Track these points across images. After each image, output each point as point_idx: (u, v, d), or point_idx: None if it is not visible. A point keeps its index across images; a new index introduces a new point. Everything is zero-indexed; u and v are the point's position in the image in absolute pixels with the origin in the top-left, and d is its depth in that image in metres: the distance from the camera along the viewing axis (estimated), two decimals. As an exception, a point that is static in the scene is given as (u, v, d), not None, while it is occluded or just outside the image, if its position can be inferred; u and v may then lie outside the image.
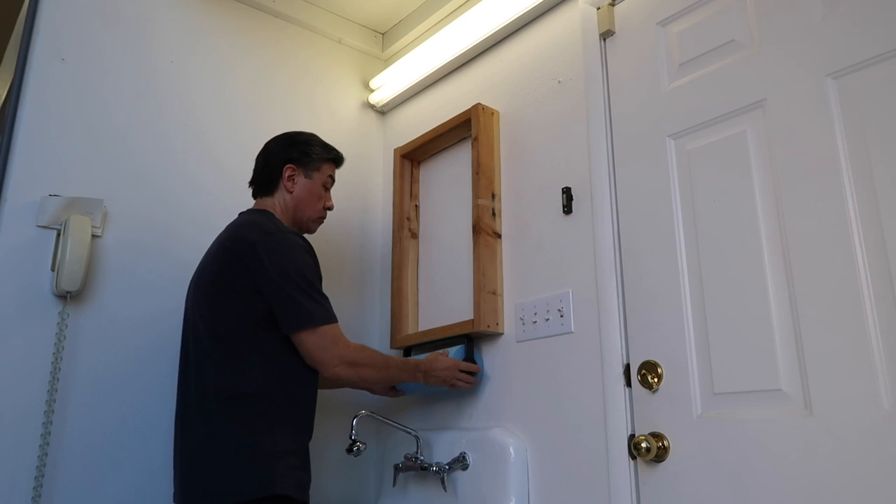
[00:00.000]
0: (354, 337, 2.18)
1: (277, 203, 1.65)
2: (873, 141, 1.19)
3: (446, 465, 1.73)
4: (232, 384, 1.43)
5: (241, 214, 1.64)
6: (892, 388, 1.11)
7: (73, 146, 1.74)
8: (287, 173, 1.65)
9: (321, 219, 1.72)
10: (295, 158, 1.66)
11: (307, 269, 1.50)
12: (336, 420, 2.05)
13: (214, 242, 1.59)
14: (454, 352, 1.79)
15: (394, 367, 1.63)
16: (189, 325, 1.55)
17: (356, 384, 1.68)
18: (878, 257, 1.16)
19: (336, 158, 1.74)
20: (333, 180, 1.74)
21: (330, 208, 1.72)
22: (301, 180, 1.66)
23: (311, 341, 1.46)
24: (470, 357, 1.80)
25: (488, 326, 1.77)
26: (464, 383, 1.73)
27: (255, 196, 1.70)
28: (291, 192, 1.65)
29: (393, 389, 1.82)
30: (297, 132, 1.73)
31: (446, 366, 1.69)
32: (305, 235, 1.67)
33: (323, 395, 2.05)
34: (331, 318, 1.50)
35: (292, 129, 2.16)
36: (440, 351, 1.80)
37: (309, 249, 1.53)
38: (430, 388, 1.74)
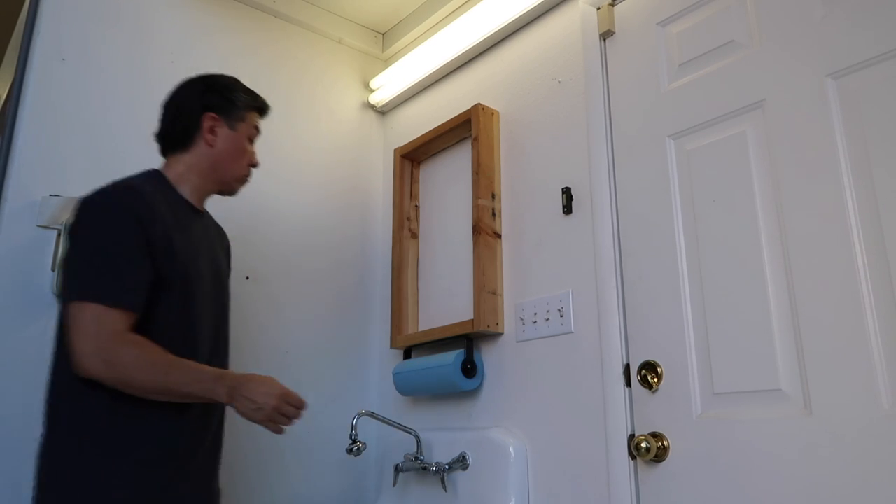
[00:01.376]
0: (354, 338, 2.18)
1: (194, 159, 1.40)
2: (873, 141, 1.20)
3: (446, 465, 1.73)
4: None
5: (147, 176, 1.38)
6: (891, 388, 1.11)
7: (74, 146, 1.74)
8: (207, 123, 1.40)
9: (246, 177, 1.48)
10: (216, 106, 1.41)
11: (115, 230, 1.21)
12: (336, 420, 2.06)
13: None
14: (454, 357, 1.79)
15: (179, 372, 1.21)
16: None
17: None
18: (878, 257, 1.16)
19: (262, 107, 1.50)
20: (259, 132, 1.50)
21: (255, 165, 1.49)
22: (224, 132, 1.41)
23: (71, 319, 1.18)
24: (469, 358, 1.80)
25: (488, 326, 1.77)
26: (282, 422, 1.24)
27: (164, 153, 1.43)
28: (213, 147, 1.40)
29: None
30: (215, 74, 1.47)
31: (268, 391, 1.22)
32: (215, 197, 1.51)
33: (322, 394, 2.05)
34: (110, 295, 1.18)
35: (293, 129, 2.18)
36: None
37: (139, 209, 1.24)
38: (434, 389, 1.72)
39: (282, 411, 1.24)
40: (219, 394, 1.23)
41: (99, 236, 1.22)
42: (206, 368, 1.27)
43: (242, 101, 1.45)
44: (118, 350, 1.18)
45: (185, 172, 1.41)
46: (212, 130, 1.41)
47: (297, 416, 1.27)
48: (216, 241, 1.51)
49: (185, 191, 1.41)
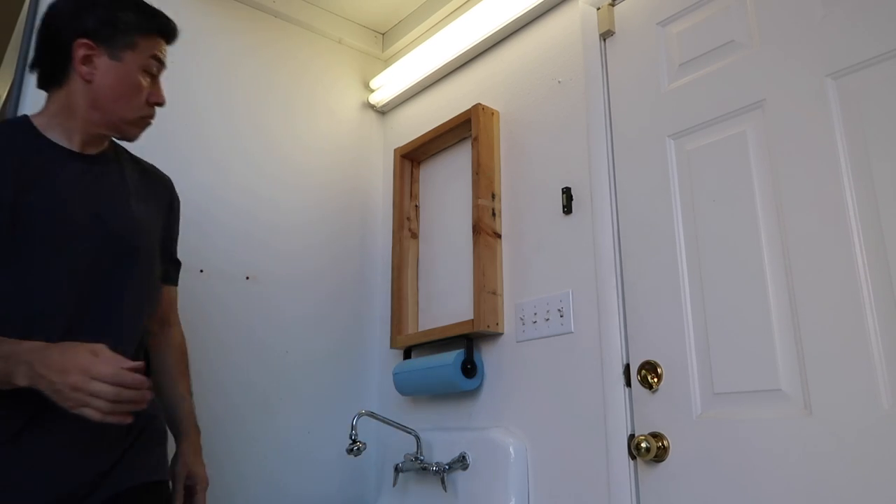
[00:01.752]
0: (354, 338, 2.18)
1: (69, 99, 1.14)
2: (873, 141, 1.19)
3: (446, 464, 1.73)
4: None
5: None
6: (891, 388, 1.11)
7: (74, 146, 1.74)
8: (80, 52, 1.12)
9: (145, 119, 1.21)
10: (91, 31, 1.12)
11: None
12: (336, 420, 2.06)
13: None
14: (454, 357, 1.79)
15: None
16: None
17: None
18: (878, 257, 1.16)
19: (163, 28, 1.20)
20: (161, 63, 1.21)
21: (159, 103, 1.21)
22: (104, 63, 1.13)
23: None
24: (469, 358, 1.80)
25: (488, 326, 1.77)
26: (91, 404, 0.93)
27: (41, 86, 1.19)
28: (91, 82, 1.13)
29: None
30: None
31: (63, 365, 0.93)
32: (122, 143, 1.27)
33: (322, 394, 2.05)
34: None
35: (292, 129, 2.18)
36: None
37: None
38: (434, 389, 1.71)
39: (88, 390, 0.92)
40: (15, 376, 0.95)
41: None
42: (9, 343, 0.98)
43: (129, 22, 1.14)
44: None
45: (57, 113, 1.15)
46: (87, 60, 1.13)
47: (116, 396, 0.92)
48: (126, 191, 1.21)
49: (56, 135, 1.15)
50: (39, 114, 1.17)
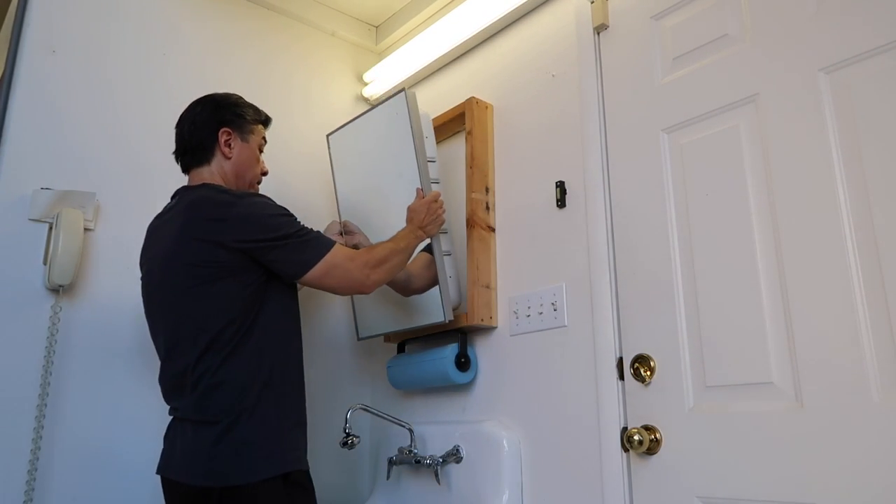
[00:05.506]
0: (347, 331, 2.18)
1: (216, 171, 1.53)
2: (865, 135, 1.20)
3: (440, 457, 1.74)
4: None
5: (180, 197, 1.50)
6: (882, 380, 1.12)
7: (65, 139, 1.73)
8: (223, 138, 1.53)
9: (259, 183, 1.64)
10: (229, 121, 1.54)
11: (282, 214, 1.45)
12: (330, 413, 2.05)
13: (162, 232, 1.47)
14: (448, 351, 1.79)
15: (402, 240, 1.62)
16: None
17: (395, 279, 1.70)
18: (870, 251, 1.16)
19: (267, 120, 1.64)
20: (266, 142, 1.64)
21: (265, 173, 1.64)
22: (238, 144, 1.55)
23: (329, 273, 1.45)
24: (463, 352, 1.81)
25: (482, 320, 1.77)
26: (440, 219, 1.75)
27: (186, 168, 1.56)
28: (230, 158, 1.53)
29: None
30: (221, 94, 1.60)
31: (426, 209, 1.70)
32: None
33: (317, 389, 2.05)
34: (329, 242, 1.47)
35: (286, 122, 2.16)
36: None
37: (267, 199, 1.49)
38: (427, 382, 1.73)
39: (438, 212, 1.74)
40: (421, 236, 1.69)
41: None
42: (401, 232, 1.66)
43: (251, 116, 1.58)
44: (367, 258, 1.54)
45: (208, 180, 1.52)
46: (227, 143, 1.53)
47: (441, 208, 1.75)
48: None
49: None
50: (189, 182, 1.54)
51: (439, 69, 2.22)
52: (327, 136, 2.09)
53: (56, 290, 1.62)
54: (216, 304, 1.37)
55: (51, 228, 1.63)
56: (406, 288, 1.79)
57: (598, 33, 1.71)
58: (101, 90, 1.82)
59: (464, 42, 2.07)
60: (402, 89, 1.83)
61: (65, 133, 1.73)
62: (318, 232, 1.49)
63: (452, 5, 2.18)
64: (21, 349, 1.57)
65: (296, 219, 1.46)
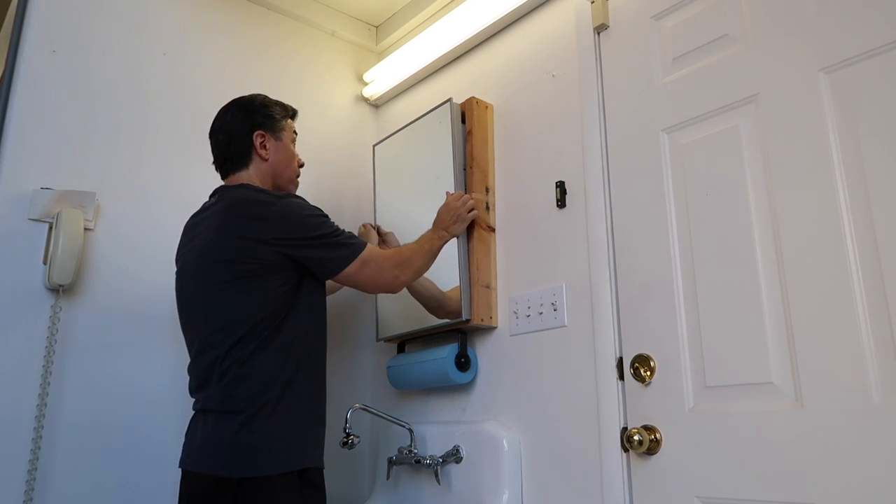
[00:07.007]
0: (348, 330, 2.18)
1: (254, 173, 1.57)
2: (865, 135, 1.20)
3: (440, 458, 1.74)
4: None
5: (219, 196, 1.54)
6: (882, 380, 1.12)
7: (65, 139, 1.73)
8: (258, 141, 1.57)
9: (297, 176, 1.68)
10: (260, 123, 1.59)
11: (319, 214, 1.50)
12: (330, 413, 2.05)
13: (199, 228, 1.51)
14: (448, 351, 1.79)
15: (427, 241, 1.66)
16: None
17: (428, 301, 1.83)
18: (870, 251, 1.16)
19: (294, 113, 1.69)
20: (297, 134, 1.69)
21: (301, 164, 1.68)
22: (272, 144, 1.59)
23: (361, 271, 1.50)
24: (463, 352, 1.80)
25: (482, 320, 1.77)
26: (470, 215, 1.78)
27: (225, 175, 1.60)
28: (267, 160, 1.58)
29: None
30: (246, 97, 1.63)
31: (449, 210, 1.74)
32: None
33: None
34: (362, 242, 1.53)
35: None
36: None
37: (303, 200, 1.54)
38: (427, 382, 1.73)
39: (469, 209, 1.78)
40: (445, 237, 1.71)
41: None
42: (427, 233, 1.70)
43: (279, 113, 1.62)
44: (395, 258, 1.61)
45: (246, 181, 1.57)
46: (263, 146, 1.58)
47: (470, 204, 1.79)
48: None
49: None
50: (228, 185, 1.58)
51: (440, 69, 2.22)
52: (373, 146, 2.19)
53: (56, 289, 1.62)
54: (251, 300, 1.40)
55: (51, 228, 1.63)
56: (438, 309, 1.84)
57: (598, 33, 1.71)
58: (100, 90, 1.82)
59: (464, 42, 2.07)
60: (449, 99, 1.92)
61: (65, 133, 1.73)
62: (352, 233, 1.54)
63: (452, 5, 2.18)
64: (21, 348, 1.57)
65: (330, 219, 1.51)
